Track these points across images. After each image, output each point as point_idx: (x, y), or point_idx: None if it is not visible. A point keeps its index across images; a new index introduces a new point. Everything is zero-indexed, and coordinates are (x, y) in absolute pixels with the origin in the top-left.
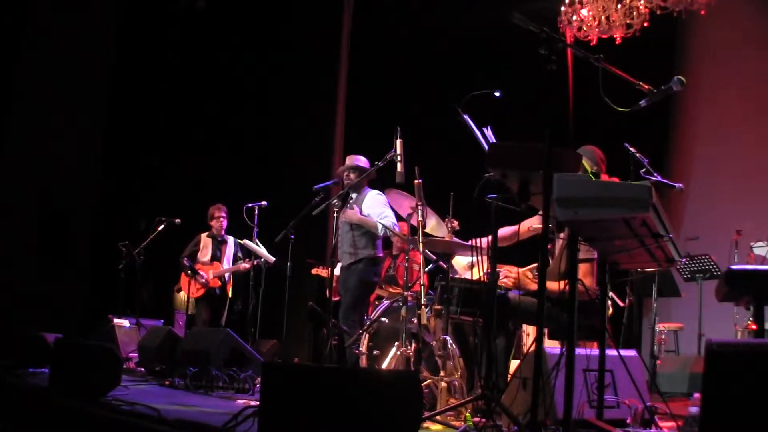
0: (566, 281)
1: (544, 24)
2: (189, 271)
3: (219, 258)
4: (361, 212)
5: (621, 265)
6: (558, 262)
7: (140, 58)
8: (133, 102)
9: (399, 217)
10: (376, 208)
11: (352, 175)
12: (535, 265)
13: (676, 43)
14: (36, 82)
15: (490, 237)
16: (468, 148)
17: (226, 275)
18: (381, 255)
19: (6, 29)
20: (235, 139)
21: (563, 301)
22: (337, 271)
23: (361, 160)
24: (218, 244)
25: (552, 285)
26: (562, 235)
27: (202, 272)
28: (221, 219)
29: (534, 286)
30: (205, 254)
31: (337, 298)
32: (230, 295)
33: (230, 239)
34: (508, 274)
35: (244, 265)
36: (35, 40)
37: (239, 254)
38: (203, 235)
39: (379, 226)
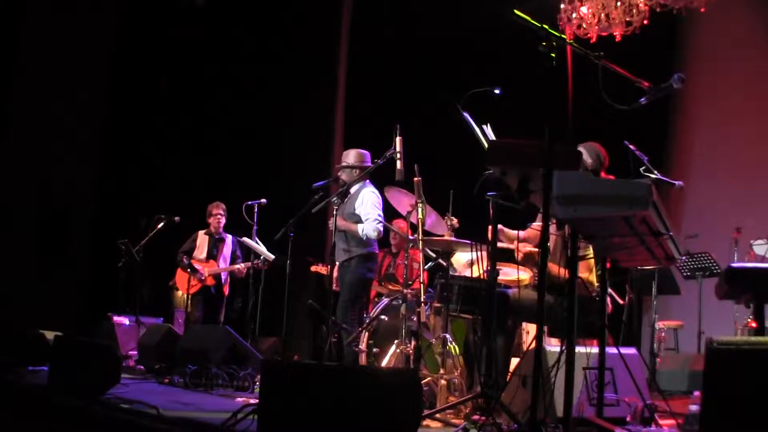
0: (566, 270)
1: (544, 21)
2: (188, 269)
3: (215, 256)
4: (354, 210)
5: (621, 263)
6: (556, 258)
7: (140, 54)
8: (132, 99)
9: (398, 215)
10: (364, 207)
11: (343, 176)
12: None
13: (676, 40)
14: (35, 79)
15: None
16: (468, 145)
17: (223, 274)
18: (375, 251)
19: (5, 25)
20: (234, 136)
21: (563, 287)
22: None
23: (351, 156)
24: (215, 243)
25: (552, 268)
26: (554, 231)
27: (199, 267)
28: (219, 217)
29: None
30: (200, 252)
31: (337, 289)
32: (227, 293)
33: (228, 238)
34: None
35: (239, 267)
36: (35, 36)
37: (238, 253)
38: (200, 233)
39: (359, 230)
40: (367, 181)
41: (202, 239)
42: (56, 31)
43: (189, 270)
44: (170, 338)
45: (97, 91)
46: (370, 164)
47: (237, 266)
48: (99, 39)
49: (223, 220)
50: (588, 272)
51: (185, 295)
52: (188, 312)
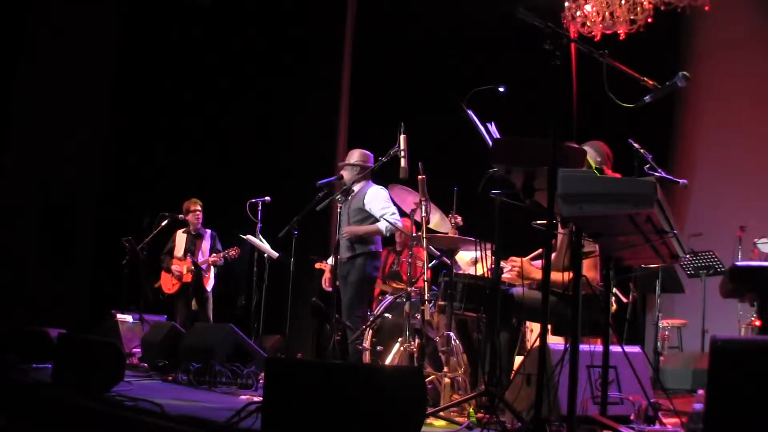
0: (570, 273)
1: (548, 19)
2: (168, 269)
3: (193, 252)
4: (364, 206)
5: (625, 261)
6: (561, 256)
7: (144, 53)
8: (135, 98)
9: (402, 213)
10: (377, 203)
11: (346, 174)
12: (538, 252)
13: (680, 39)
14: (39, 77)
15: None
16: (472, 143)
17: (203, 266)
18: (380, 249)
19: (9, 24)
20: (238, 134)
21: (567, 292)
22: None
23: (355, 155)
24: (193, 239)
25: (556, 276)
26: (561, 229)
27: (176, 266)
28: (198, 213)
29: (538, 275)
30: (178, 250)
31: (329, 288)
32: (210, 287)
33: (207, 233)
34: (512, 264)
35: (213, 259)
36: (38, 35)
37: (219, 247)
38: (179, 232)
39: (382, 227)
40: (370, 181)
41: (180, 238)
42: (60, 29)
43: (167, 269)
44: (174, 336)
45: (101, 90)
46: (372, 164)
47: (210, 258)
48: (103, 38)
49: (201, 216)
50: (593, 270)
51: (169, 296)
52: (177, 312)
